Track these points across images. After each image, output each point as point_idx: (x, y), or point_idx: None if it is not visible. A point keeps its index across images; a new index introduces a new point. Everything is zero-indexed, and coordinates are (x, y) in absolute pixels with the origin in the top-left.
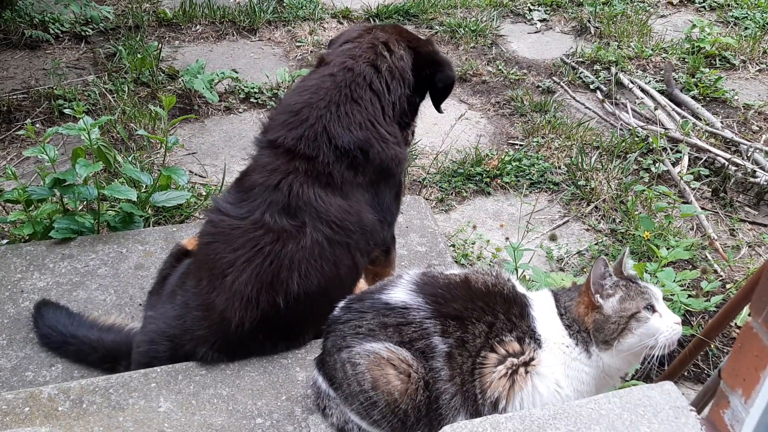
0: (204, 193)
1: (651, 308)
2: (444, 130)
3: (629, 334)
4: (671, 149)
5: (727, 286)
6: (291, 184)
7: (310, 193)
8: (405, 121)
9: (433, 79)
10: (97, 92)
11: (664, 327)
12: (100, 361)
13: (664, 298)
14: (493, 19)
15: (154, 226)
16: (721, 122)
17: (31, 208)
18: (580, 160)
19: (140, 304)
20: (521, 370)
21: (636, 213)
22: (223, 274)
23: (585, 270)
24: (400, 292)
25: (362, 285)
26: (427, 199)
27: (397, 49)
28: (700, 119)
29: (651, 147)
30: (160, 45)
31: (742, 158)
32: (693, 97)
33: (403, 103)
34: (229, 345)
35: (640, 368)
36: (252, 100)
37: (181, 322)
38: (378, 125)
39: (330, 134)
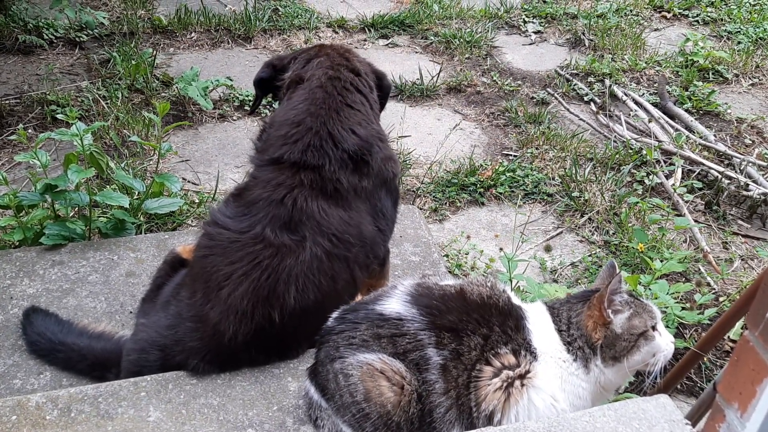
0: (197, 201)
1: (653, 327)
2: (438, 140)
3: (637, 352)
4: (665, 162)
5: (720, 299)
6: (296, 199)
7: (313, 206)
8: None
9: (382, 87)
10: (90, 98)
11: (664, 345)
12: (90, 369)
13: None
14: (488, 31)
15: (146, 233)
16: (715, 135)
17: (21, 214)
18: (574, 171)
19: (131, 312)
20: (517, 382)
21: (630, 225)
22: (218, 287)
23: (579, 281)
24: (395, 303)
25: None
26: (421, 209)
27: (357, 55)
28: (694, 132)
29: (644, 159)
30: (154, 52)
31: (735, 171)
32: (686, 110)
33: (377, 105)
34: (221, 357)
35: (635, 381)
36: (246, 107)
37: (173, 333)
38: (373, 124)
39: (335, 139)
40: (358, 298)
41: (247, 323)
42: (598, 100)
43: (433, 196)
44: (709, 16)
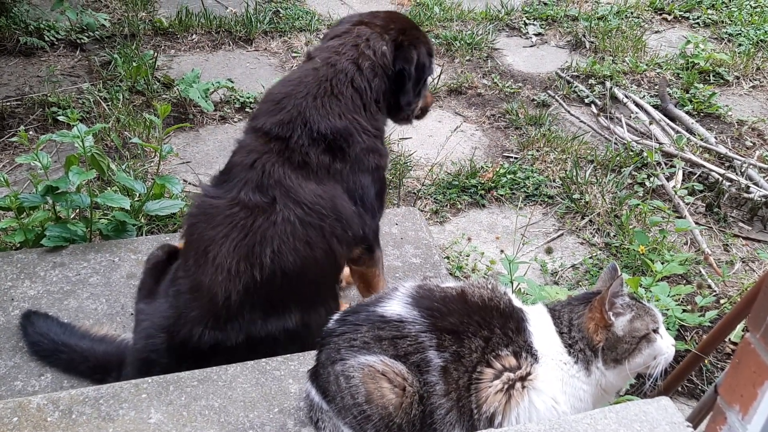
0: None
1: (655, 330)
2: (439, 142)
3: (638, 354)
4: (665, 164)
5: (721, 301)
6: (264, 164)
7: (280, 172)
8: (400, 111)
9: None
10: (91, 100)
11: (665, 348)
12: (91, 372)
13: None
14: (489, 33)
15: (147, 235)
16: (715, 138)
17: (23, 216)
18: (574, 173)
19: (132, 314)
20: (518, 384)
21: (630, 227)
22: (205, 252)
23: (580, 283)
24: (396, 305)
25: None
26: (421, 211)
27: (379, 45)
28: (695, 134)
29: (645, 161)
30: (155, 54)
31: (736, 174)
32: (687, 113)
33: (389, 98)
34: (221, 322)
35: (636, 383)
36: (247, 109)
37: (174, 310)
38: (359, 118)
39: (305, 119)
40: (352, 297)
41: (236, 282)
42: (599, 102)
43: (434, 198)
44: (709, 19)
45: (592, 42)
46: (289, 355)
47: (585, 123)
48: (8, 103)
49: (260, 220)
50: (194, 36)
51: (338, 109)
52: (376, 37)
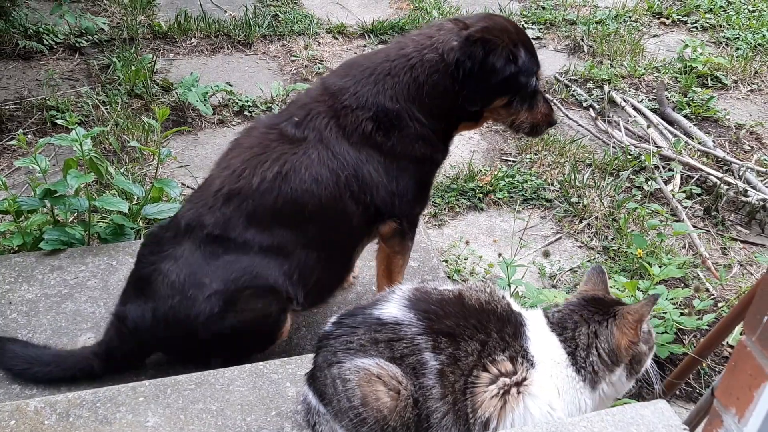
0: None
1: None
2: None
3: (645, 365)
4: (663, 167)
5: (719, 304)
6: (312, 109)
7: (323, 122)
8: (465, 113)
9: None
10: (90, 103)
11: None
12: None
13: (657, 316)
14: None
15: None
16: (713, 141)
17: (21, 219)
18: (572, 177)
19: None
20: (513, 390)
21: (628, 230)
22: (228, 152)
23: (578, 287)
24: (393, 307)
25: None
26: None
27: (449, 40)
28: (693, 138)
29: (643, 165)
30: (154, 57)
31: (734, 177)
32: (685, 116)
33: (452, 97)
34: (205, 207)
35: (635, 387)
36: (246, 113)
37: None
38: (412, 108)
39: (356, 89)
40: (358, 275)
41: (233, 181)
42: (597, 106)
43: (432, 202)
44: (707, 23)
45: (591, 46)
46: (286, 358)
47: (583, 127)
48: (7, 107)
49: (285, 146)
50: (193, 40)
51: (390, 92)
52: (454, 32)
